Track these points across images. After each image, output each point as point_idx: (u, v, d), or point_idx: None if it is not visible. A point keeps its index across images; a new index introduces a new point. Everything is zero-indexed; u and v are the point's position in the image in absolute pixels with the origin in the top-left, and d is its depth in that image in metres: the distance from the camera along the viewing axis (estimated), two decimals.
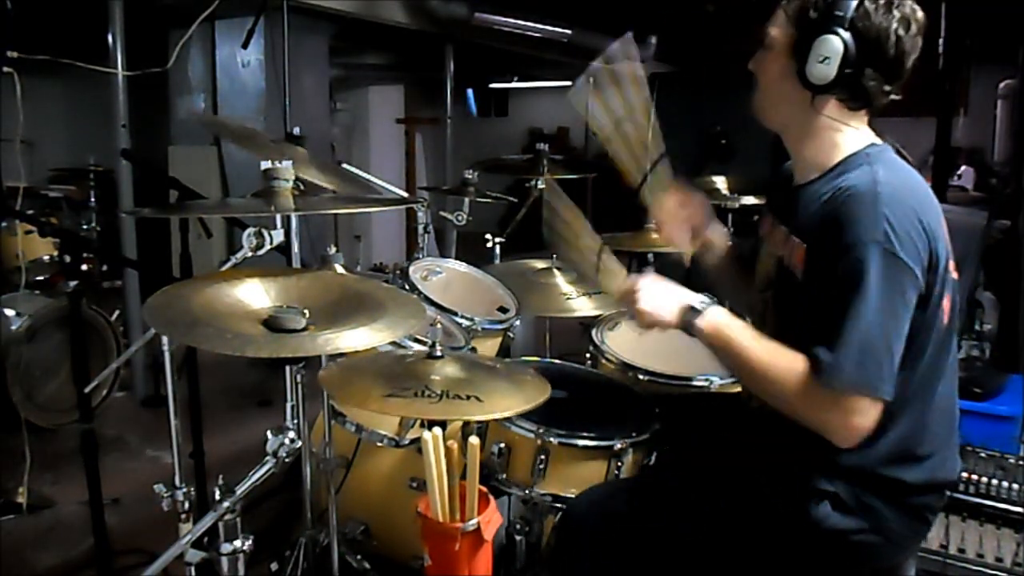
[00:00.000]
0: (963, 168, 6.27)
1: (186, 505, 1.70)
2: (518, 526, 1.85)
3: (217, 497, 1.45)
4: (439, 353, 1.65)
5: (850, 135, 1.41)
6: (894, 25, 1.32)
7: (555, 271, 2.66)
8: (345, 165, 2.66)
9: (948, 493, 1.48)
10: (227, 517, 1.45)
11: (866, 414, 1.26)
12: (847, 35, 1.31)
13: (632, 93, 1.65)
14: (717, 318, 1.40)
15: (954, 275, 1.38)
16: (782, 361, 1.31)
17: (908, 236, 1.26)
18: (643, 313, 1.45)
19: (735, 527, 1.46)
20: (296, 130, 1.88)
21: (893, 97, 1.40)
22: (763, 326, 1.53)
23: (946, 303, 1.36)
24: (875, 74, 1.34)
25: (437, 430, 1.59)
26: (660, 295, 1.45)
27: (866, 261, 1.24)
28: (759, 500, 1.44)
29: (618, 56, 1.64)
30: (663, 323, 1.43)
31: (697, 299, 1.42)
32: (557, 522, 1.77)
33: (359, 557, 2.10)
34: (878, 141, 1.42)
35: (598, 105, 1.66)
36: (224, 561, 1.47)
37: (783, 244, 1.45)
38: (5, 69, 2.87)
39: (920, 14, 1.35)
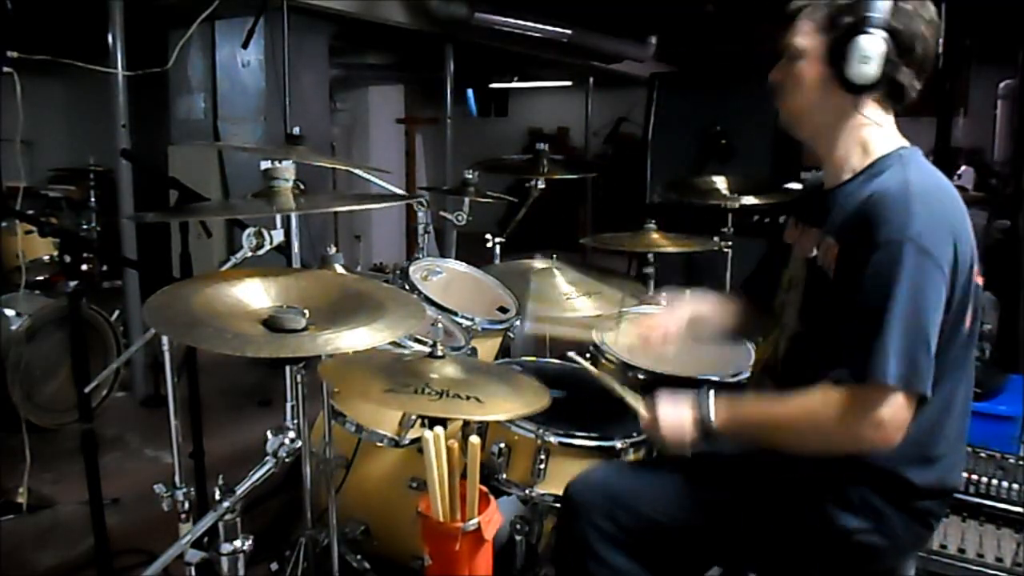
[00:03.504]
0: (963, 168, 6.25)
1: (186, 505, 1.71)
2: (518, 526, 1.85)
3: (217, 497, 1.45)
4: (440, 354, 1.65)
5: (882, 136, 1.43)
6: (922, 25, 1.36)
7: (555, 271, 2.66)
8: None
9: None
10: (227, 517, 1.45)
11: (904, 409, 1.26)
12: (884, 34, 1.33)
13: None
14: (724, 413, 1.41)
15: (979, 280, 1.39)
16: (797, 400, 1.33)
17: (938, 236, 1.28)
18: (670, 443, 1.45)
19: (739, 520, 1.46)
20: (296, 130, 1.87)
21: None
22: (780, 326, 1.53)
23: (969, 308, 1.36)
24: (909, 71, 1.37)
25: (438, 429, 1.59)
26: (674, 422, 1.44)
27: (899, 257, 1.25)
28: (765, 496, 1.45)
29: None
30: (688, 444, 1.43)
31: (701, 408, 1.42)
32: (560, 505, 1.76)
33: (359, 557, 2.10)
34: (907, 144, 1.44)
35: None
36: (224, 561, 1.47)
37: (817, 245, 1.44)
38: (5, 69, 2.87)
39: (934, 11, 1.39)
